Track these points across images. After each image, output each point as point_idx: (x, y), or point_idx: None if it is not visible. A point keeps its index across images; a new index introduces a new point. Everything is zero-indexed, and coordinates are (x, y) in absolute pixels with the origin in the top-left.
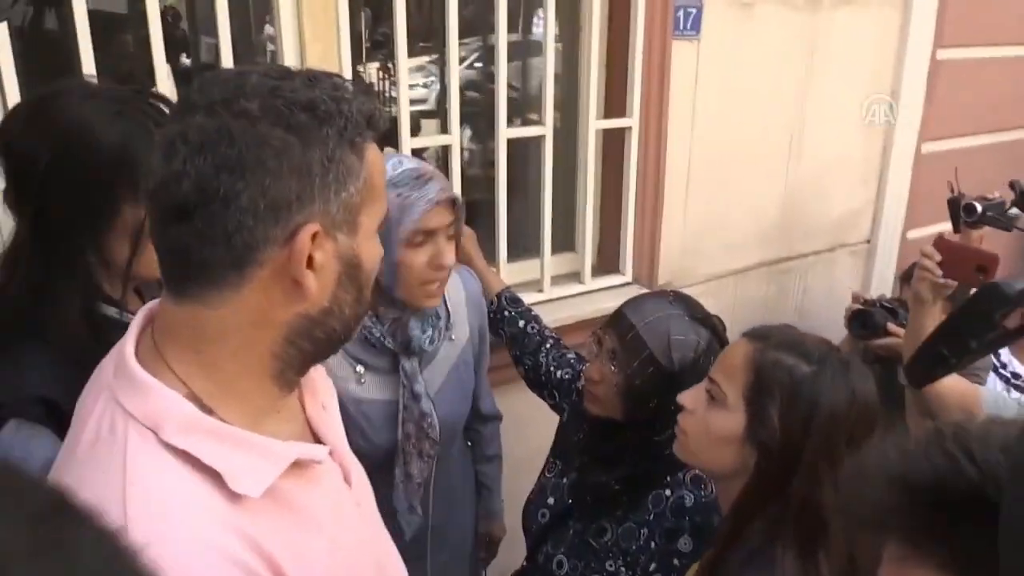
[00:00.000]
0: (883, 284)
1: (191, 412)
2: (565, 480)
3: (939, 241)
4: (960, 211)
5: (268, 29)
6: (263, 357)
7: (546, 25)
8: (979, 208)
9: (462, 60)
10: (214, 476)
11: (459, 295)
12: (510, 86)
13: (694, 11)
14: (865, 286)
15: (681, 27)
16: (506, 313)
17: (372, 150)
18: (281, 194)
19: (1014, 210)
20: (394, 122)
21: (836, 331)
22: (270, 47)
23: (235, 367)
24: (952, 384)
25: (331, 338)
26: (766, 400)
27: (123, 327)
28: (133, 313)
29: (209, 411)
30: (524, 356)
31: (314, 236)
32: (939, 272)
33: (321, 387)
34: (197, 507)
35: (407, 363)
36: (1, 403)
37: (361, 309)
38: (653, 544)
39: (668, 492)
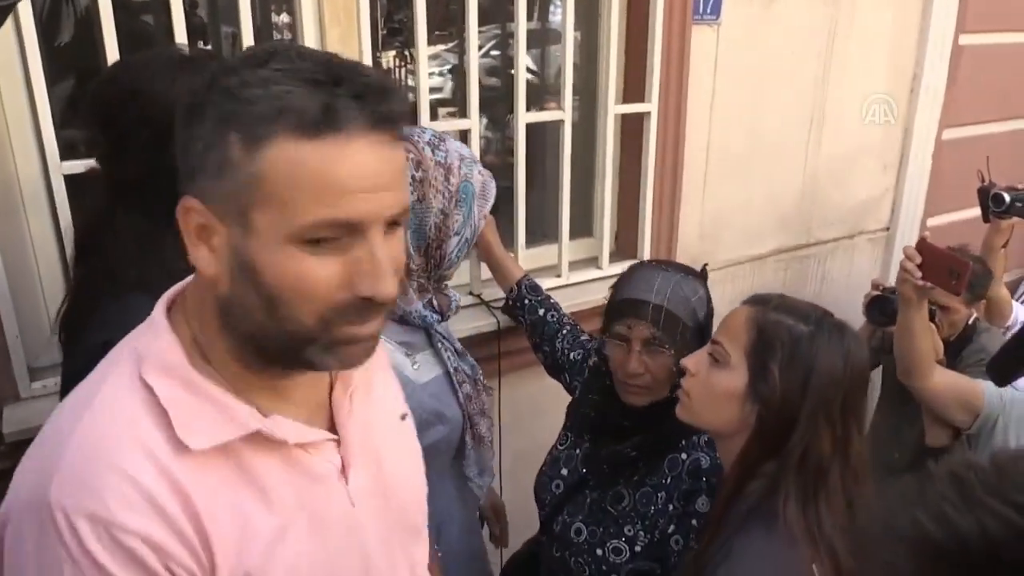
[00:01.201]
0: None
1: (177, 358)
2: (578, 451)
3: (920, 243)
4: (989, 201)
5: (284, 17)
6: (223, 334)
7: (565, 9)
8: (1007, 198)
9: (480, 48)
10: (166, 418)
11: None
12: (529, 70)
13: None
14: (884, 273)
15: (701, 11)
16: (526, 301)
17: (288, 149)
18: (182, 162)
19: None
20: (414, 108)
21: (854, 318)
22: (286, 35)
23: (218, 326)
24: (950, 382)
25: (251, 337)
26: (767, 357)
27: None
28: None
29: (207, 360)
30: (543, 343)
31: (188, 210)
32: (918, 274)
33: (359, 375)
34: (135, 439)
35: (440, 327)
36: (107, 340)
37: (280, 325)
38: (671, 507)
39: (684, 456)
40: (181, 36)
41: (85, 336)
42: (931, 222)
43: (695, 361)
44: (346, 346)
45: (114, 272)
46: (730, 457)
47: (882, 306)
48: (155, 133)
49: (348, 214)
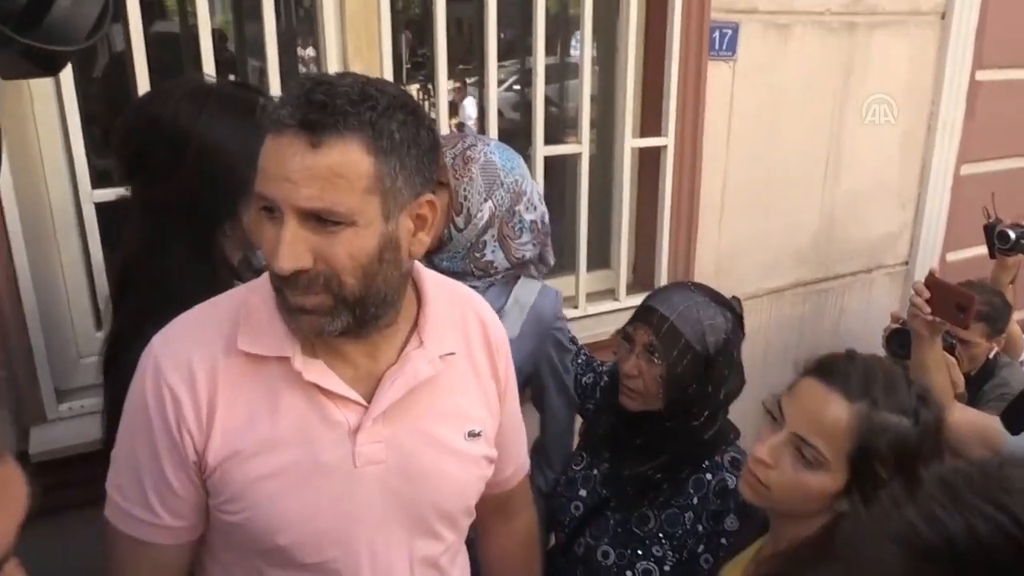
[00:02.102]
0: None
1: (269, 293)
2: (595, 472)
3: (929, 279)
4: (995, 238)
5: (309, 51)
6: None
7: (583, 44)
8: (1012, 235)
9: (500, 82)
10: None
11: (527, 297)
12: (549, 101)
13: (730, 31)
14: (902, 308)
15: (717, 47)
16: None
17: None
18: None
19: None
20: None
21: (873, 350)
22: (312, 68)
23: None
24: (970, 418)
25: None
26: (876, 463)
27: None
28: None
29: None
30: None
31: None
32: (927, 309)
33: (424, 372)
34: (209, 334)
35: None
36: None
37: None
38: (700, 527)
39: (709, 476)
40: (210, 69)
41: (134, 356)
42: (950, 256)
43: (773, 453)
44: (291, 312)
45: (157, 294)
46: (799, 529)
47: (901, 339)
48: (178, 159)
49: (262, 190)
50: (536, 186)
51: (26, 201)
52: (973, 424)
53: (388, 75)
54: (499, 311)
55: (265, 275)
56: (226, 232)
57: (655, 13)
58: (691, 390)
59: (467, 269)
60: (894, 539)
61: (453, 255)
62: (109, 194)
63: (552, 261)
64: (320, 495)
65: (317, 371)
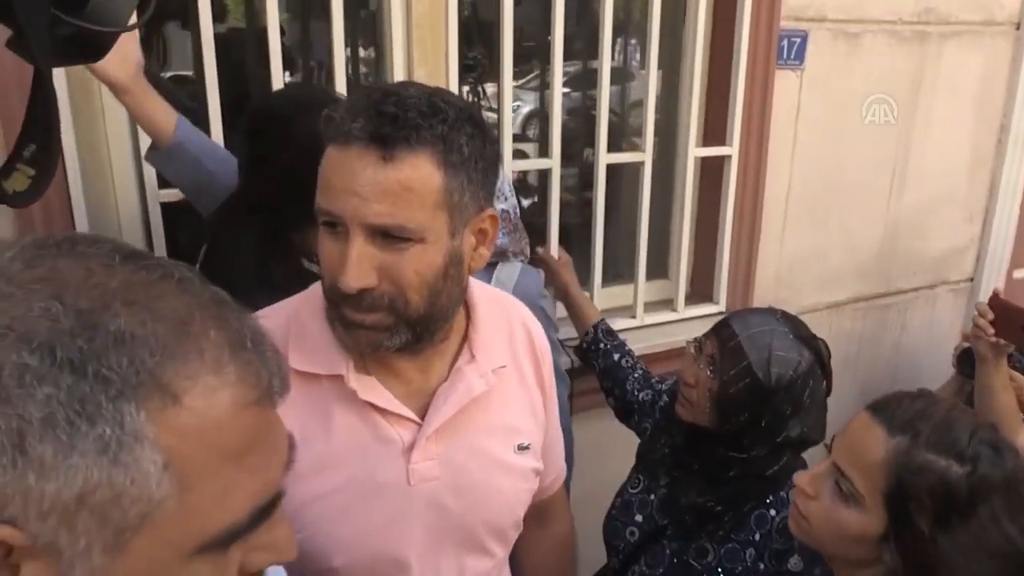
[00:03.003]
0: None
1: (320, 304)
2: (652, 496)
3: (993, 299)
4: None
5: (369, 51)
6: None
7: (649, 51)
8: None
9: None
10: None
11: (508, 278)
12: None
13: (799, 40)
14: (967, 325)
15: (785, 56)
16: (601, 345)
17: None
18: None
19: None
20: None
21: (937, 368)
22: (371, 70)
23: None
24: None
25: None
26: (914, 509)
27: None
28: None
29: None
30: (615, 387)
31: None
32: (991, 331)
33: (478, 387)
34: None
35: None
36: None
37: (329, 295)
38: (762, 565)
39: (773, 512)
40: (277, 67)
41: None
42: (1016, 273)
43: (812, 482)
44: (348, 327)
45: (241, 277)
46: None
47: (972, 358)
48: (293, 160)
49: (328, 206)
50: (508, 178)
51: (93, 200)
52: None
53: (454, 83)
54: None
55: (314, 287)
56: (300, 232)
57: (722, 21)
58: (742, 418)
59: None
60: (994, 555)
61: None
62: (174, 194)
63: (529, 252)
64: (374, 514)
65: (371, 389)
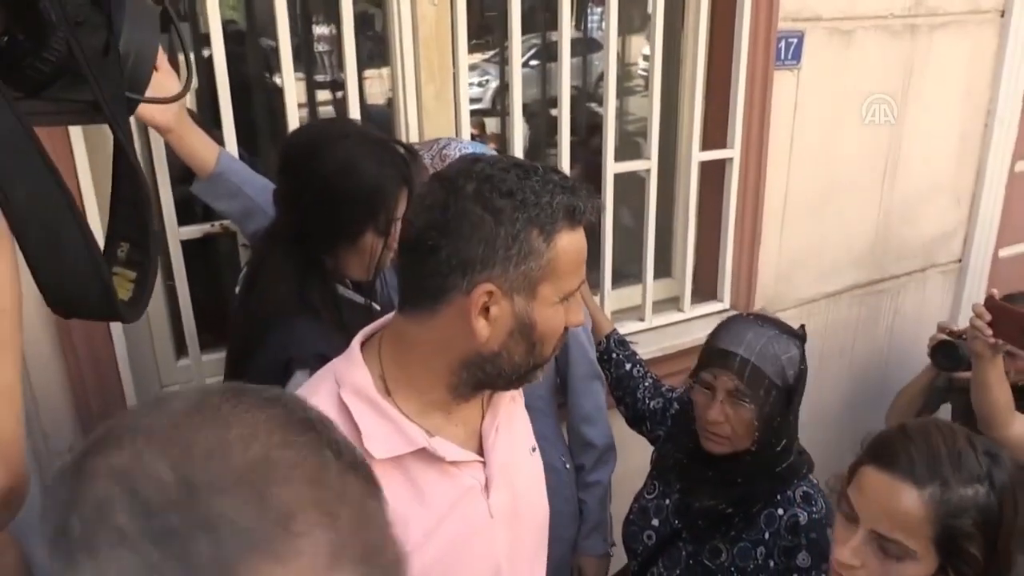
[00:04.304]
0: (974, 302)
1: (367, 385)
2: (667, 502)
3: (988, 301)
4: None
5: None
6: (441, 369)
7: (652, 60)
8: None
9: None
10: (357, 432)
11: None
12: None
13: (795, 40)
14: (956, 305)
15: (783, 57)
16: (614, 355)
17: (565, 237)
18: (469, 256)
19: None
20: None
21: (925, 351)
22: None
23: (418, 369)
24: None
25: (500, 375)
26: (964, 543)
27: (357, 307)
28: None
29: (388, 392)
30: (626, 396)
31: (489, 293)
32: (989, 332)
33: (503, 411)
34: None
35: None
36: (292, 357)
37: (533, 360)
38: (772, 563)
39: (780, 511)
40: (289, 67)
41: (261, 356)
42: (1002, 252)
43: (857, 555)
44: (525, 378)
45: (281, 302)
46: None
47: (947, 351)
48: (321, 191)
49: (582, 279)
50: None
51: None
52: None
53: (463, 101)
54: None
55: (329, 368)
56: (333, 259)
57: (720, 25)
58: (776, 423)
59: None
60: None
61: None
62: (195, 231)
63: None
64: (475, 560)
65: (449, 448)
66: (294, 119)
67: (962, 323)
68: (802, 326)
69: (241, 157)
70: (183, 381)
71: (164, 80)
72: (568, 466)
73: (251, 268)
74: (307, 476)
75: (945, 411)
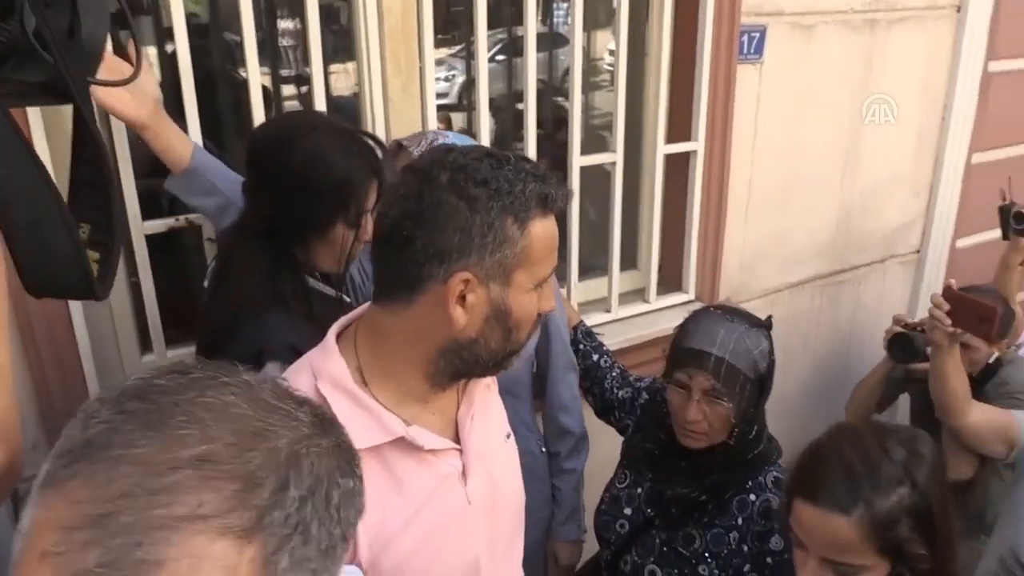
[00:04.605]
0: (932, 292)
1: (344, 376)
2: (639, 490)
3: (947, 291)
4: (1010, 219)
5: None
6: (418, 358)
7: (618, 55)
8: None
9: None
10: None
11: None
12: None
13: (758, 35)
14: (915, 295)
15: (745, 51)
16: (581, 347)
17: (539, 224)
18: (445, 245)
19: None
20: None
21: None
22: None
23: (395, 359)
24: (986, 415)
25: (477, 362)
26: (907, 546)
27: (328, 299)
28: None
29: (364, 383)
30: (593, 386)
31: (466, 281)
32: (948, 322)
33: (478, 400)
34: None
35: None
36: (263, 349)
37: (509, 347)
38: (745, 547)
39: (752, 497)
40: (257, 94)
41: (232, 349)
42: (960, 243)
43: None
44: (503, 366)
45: (251, 294)
46: None
47: (903, 343)
48: (291, 183)
49: (554, 265)
50: None
51: None
52: (991, 421)
53: (429, 93)
54: None
55: (306, 360)
56: (303, 251)
57: (684, 20)
58: (750, 414)
59: None
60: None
61: None
62: (160, 225)
63: None
64: (455, 544)
65: (426, 437)
66: (259, 113)
67: (921, 312)
68: (769, 317)
69: (208, 151)
70: None
71: (139, 81)
72: (543, 450)
73: (220, 261)
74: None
75: (904, 401)
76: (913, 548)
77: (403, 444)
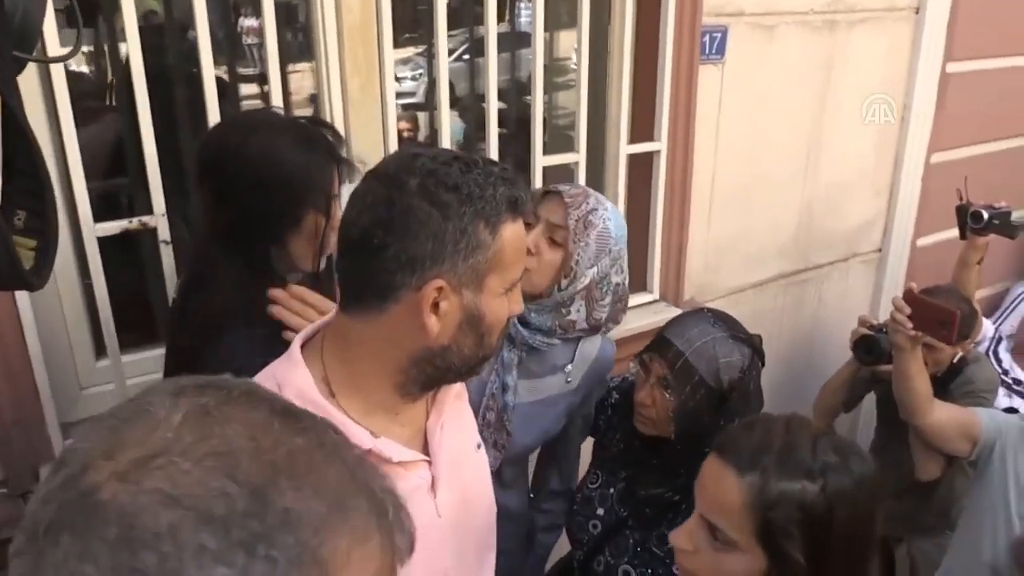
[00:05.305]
0: (894, 290)
1: (309, 387)
2: (612, 491)
3: (908, 295)
4: (967, 218)
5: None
6: (388, 368)
7: (580, 54)
8: (985, 215)
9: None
10: None
11: (591, 351)
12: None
13: (719, 35)
14: (877, 293)
15: (707, 51)
16: None
17: (509, 228)
18: (417, 252)
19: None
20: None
21: (848, 339)
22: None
23: (364, 368)
24: (948, 414)
25: (450, 369)
26: (785, 541)
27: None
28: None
29: (332, 394)
30: None
31: (439, 289)
32: (909, 325)
33: (448, 409)
34: None
35: (506, 352)
36: (239, 368)
37: (482, 352)
38: None
39: None
40: (213, 100)
41: (203, 370)
42: (920, 242)
43: (687, 536)
44: (475, 372)
45: (222, 310)
46: None
47: (869, 346)
48: (256, 187)
49: (524, 268)
50: (625, 252)
51: None
52: (954, 419)
53: (389, 91)
54: (564, 366)
55: (270, 371)
56: (280, 249)
57: (645, 20)
58: (703, 421)
59: (551, 326)
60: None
61: (542, 308)
62: (113, 227)
63: (621, 319)
64: (423, 560)
65: (394, 449)
66: (214, 111)
67: (884, 311)
68: (758, 336)
69: (163, 147)
70: (103, 383)
71: None
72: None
73: (192, 273)
74: (329, 456)
75: (870, 401)
76: (791, 547)
77: (371, 457)
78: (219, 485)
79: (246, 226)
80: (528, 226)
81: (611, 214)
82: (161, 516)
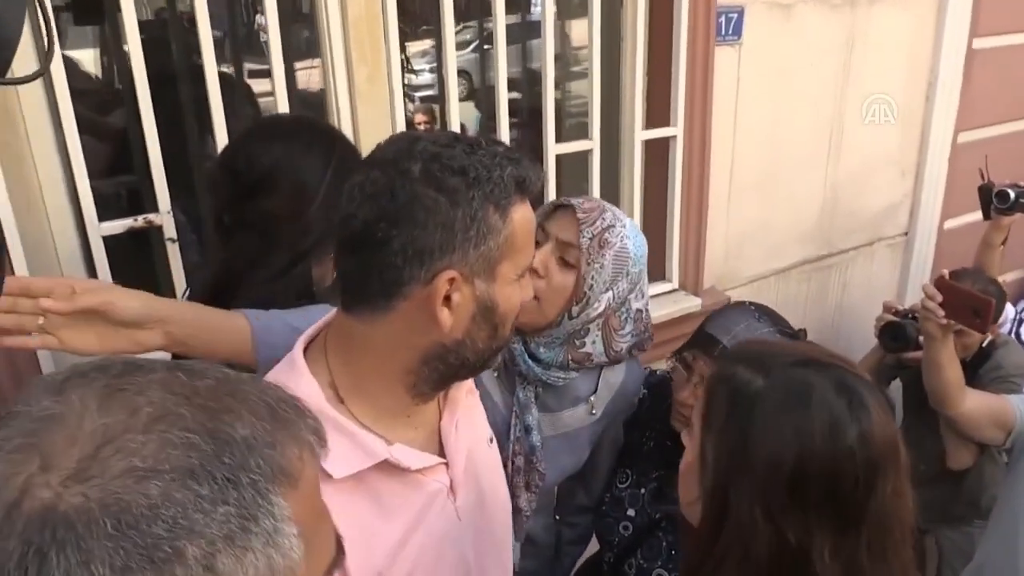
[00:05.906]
0: (920, 275)
1: (317, 396)
2: (643, 490)
3: (939, 282)
4: (992, 198)
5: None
6: (398, 369)
7: (592, 41)
8: (1012, 195)
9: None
10: None
11: (616, 378)
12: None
13: (735, 15)
14: (903, 278)
15: (723, 32)
16: None
17: (519, 210)
18: (426, 243)
19: None
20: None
21: (872, 326)
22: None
23: (372, 373)
24: (980, 402)
25: (464, 364)
26: (712, 420)
27: None
28: None
29: (340, 400)
30: None
31: (451, 280)
32: (941, 313)
33: (462, 408)
34: None
35: (520, 391)
36: None
37: (496, 343)
38: None
39: None
40: (215, 90)
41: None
42: (948, 224)
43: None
44: (489, 366)
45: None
46: None
47: (894, 332)
48: (277, 190)
49: (534, 252)
50: (645, 278)
51: (29, 237)
52: (986, 408)
53: (396, 81)
54: (588, 397)
55: (271, 379)
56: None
57: (659, 2)
58: None
59: (563, 360)
60: None
61: (552, 341)
62: (118, 226)
63: (648, 347)
64: (446, 564)
65: (410, 455)
66: (218, 109)
67: (911, 296)
68: (803, 331)
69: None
70: None
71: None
72: None
73: (213, 281)
74: (238, 387)
75: (896, 388)
76: (708, 438)
77: (386, 466)
78: (181, 441)
79: (302, 251)
80: (536, 244)
81: (629, 231)
82: (148, 489)
